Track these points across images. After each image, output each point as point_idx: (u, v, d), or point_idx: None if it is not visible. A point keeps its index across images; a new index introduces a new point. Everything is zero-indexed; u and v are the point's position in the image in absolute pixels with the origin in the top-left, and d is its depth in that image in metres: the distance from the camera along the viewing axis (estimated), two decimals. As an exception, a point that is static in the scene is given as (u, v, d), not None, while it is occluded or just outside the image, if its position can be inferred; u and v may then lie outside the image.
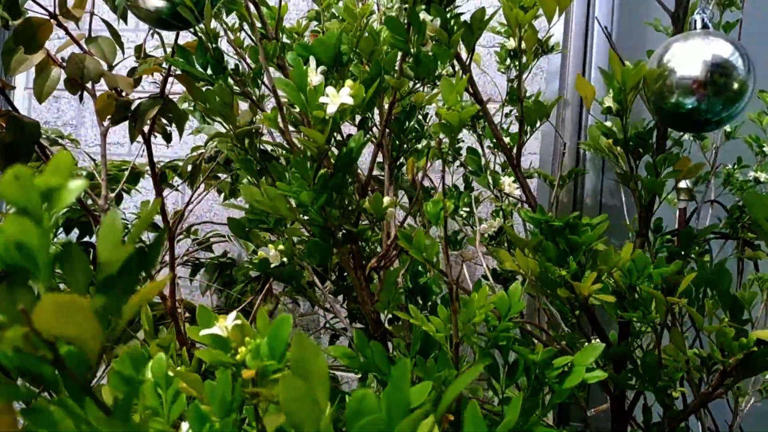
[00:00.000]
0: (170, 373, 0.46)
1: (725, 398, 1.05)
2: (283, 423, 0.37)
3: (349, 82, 0.60)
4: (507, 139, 1.33)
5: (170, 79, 1.16)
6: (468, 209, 1.34)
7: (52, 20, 0.92)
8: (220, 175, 1.80)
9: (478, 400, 0.89)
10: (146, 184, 2.04)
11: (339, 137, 0.73)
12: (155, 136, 1.22)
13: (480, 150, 1.45)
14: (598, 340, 0.86)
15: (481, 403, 0.90)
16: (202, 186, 1.72)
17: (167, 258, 1.11)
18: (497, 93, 1.69)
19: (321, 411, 0.34)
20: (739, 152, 1.50)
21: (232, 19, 0.78)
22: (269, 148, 1.00)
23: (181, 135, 1.20)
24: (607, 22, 1.82)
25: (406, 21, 0.68)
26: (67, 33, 0.95)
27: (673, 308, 0.77)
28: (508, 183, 1.03)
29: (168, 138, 1.37)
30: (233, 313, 0.48)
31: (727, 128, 1.53)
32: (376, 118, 0.93)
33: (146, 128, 1.02)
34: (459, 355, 0.64)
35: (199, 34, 0.67)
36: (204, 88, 0.90)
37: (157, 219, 1.77)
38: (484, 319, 0.65)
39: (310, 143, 0.60)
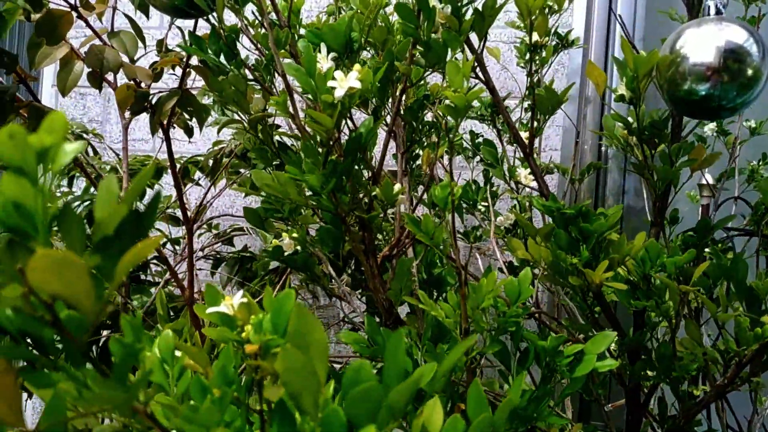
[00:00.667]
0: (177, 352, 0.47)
1: (749, 394, 1.04)
2: (282, 394, 0.38)
3: (357, 66, 0.60)
4: (525, 134, 1.32)
5: (194, 75, 1.18)
6: (486, 204, 1.34)
7: (72, 12, 0.93)
8: (241, 170, 1.82)
9: (492, 393, 0.89)
10: (170, 179, 2.07)
11: (351, 124, 0.74)
12: (174, 128, 1.23)
13: (501, 145, 1.45)
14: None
15: (495, 395, 0.90)
16: (224, 181, 1.73)
17: (186, 251, 1.12)
18: (517, 89, 1.69)
19: (319, 382, 0.35)
20: (764, 148, 1.48)
21: (252, 14, 0.79)
22: (289, 142, 1.01)
23: (201, 128, 1.21)
24: (629, 17, 1.80)
25: (416, 7, 0.68)
26: (88, 25, 0.96)
27: (689, 300, 0.76)
28: (524, 175, 1.02)
29: (189, 132, 1.38)
30: (240, 292, 0.49)
31: (753, 124, 1.51)
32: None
33: (165, 121, 1.04)
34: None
35: (212, 22, 0.67)
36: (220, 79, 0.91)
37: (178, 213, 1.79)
38: (494, 305, 0.65)
39: (319, 128, 0.60)
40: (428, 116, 0.90)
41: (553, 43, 1.39)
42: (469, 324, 0.64)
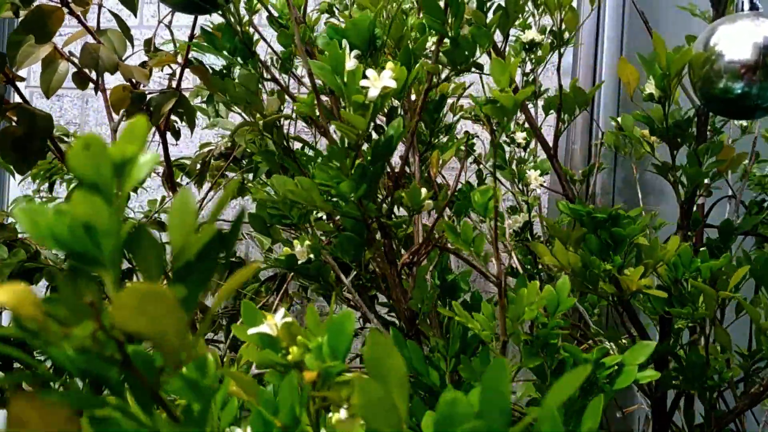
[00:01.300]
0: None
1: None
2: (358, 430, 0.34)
3: (390, 64, 0.57)
4: (523, 134, 1.29)
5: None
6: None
7: (63, 8, 0.88)
8: (228, 173, 1.76)
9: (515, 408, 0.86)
10: (151, 183, 2.01)
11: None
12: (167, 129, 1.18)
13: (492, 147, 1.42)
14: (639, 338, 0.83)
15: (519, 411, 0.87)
16: (209, 185, 1.68)
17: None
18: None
19: (400, 418, 0.31)
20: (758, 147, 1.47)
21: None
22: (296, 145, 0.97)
23: (192, 131, 1.16)
24: (617, 18, 1.79)
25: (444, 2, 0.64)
26: (80, 21, 0.91)
27: (724, 304, 0.74)
28: (534, 177, 0.99)
29: (177, 135, 1.33)
30: (282, 310, 0.45)
31: (744, 122, 1.50)
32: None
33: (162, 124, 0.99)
34: (506, 355, 0.61)
35: (228, 17, 0.63)
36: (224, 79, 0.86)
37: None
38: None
39: (350, 130, 0.56)
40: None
41: (549, 41, 1.36)
42: (508, 337, 0.60)
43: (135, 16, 1.18)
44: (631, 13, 1.78)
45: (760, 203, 1.21)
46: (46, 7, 0.88)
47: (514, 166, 1.06)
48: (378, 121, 0.76)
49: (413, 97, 0.82)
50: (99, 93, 1.25)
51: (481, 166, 1.54)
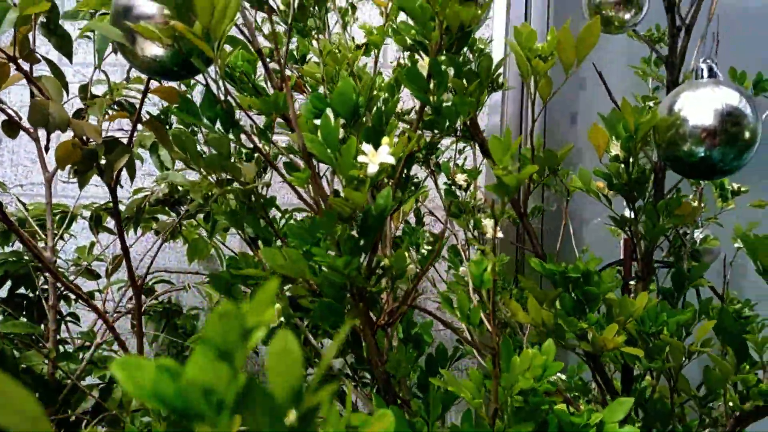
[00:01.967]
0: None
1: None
2: None
3: (386, 139, 0.57)
4: (464, 176, 1.32)
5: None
6: (429, 247, 1.32)
7: (10, 63, 0.84)
8: (159, 216, 1.71)
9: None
10: (77, 227, 1.92)
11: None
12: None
13: (435, 186, 1.44)
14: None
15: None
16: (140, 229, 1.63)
17: (135, 314, 1.03)
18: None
19: None
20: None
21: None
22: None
23: (132, 181, 1.12)
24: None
25: (426, 71, 0.65)
26: (28, 78, 0.87)
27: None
28: (490, 226, 1.01)
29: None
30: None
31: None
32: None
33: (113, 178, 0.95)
34: (495, 422, 0.61)
35: (209, 84, 0.61)
36: (184, 136, 0.84)
37: (97, 265, 1.67)
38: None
39: (346, 204, 0.56)
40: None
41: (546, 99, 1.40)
42: (500, 405, 0.61)
43: (71, 62, 1.14)
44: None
45: (683, 236, 1.27)
46: (-9, 63, 0.83)
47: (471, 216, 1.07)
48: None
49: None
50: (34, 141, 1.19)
51: (420, 205, 1.56)
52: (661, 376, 0.88)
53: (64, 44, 1.12)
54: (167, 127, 1.38)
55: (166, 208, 1.61)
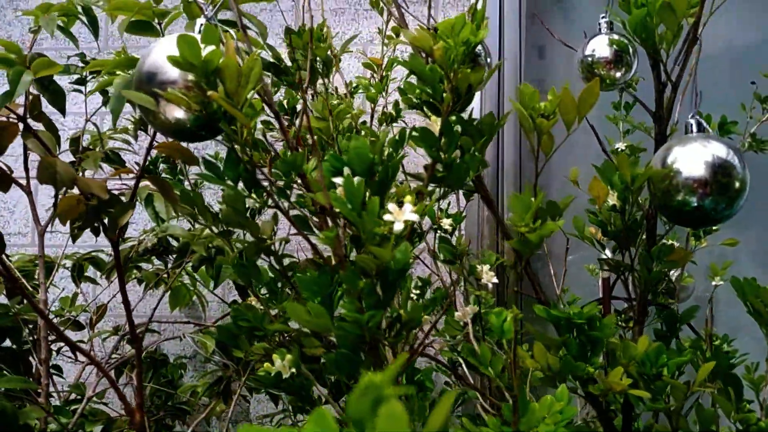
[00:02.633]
0: None
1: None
2: None
3: (408, 197, 0.60)
4: (449, 220, 1.35)
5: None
6: (418, 291, 1.35)
7: (20, 123, 0.85)
8: (141, 265, 1.71)
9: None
10: (57, 278, 1.90)
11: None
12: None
13: (420, 231, 1.47)
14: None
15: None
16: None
17: (136, 369, 1.03)
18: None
19: None
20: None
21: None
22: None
23: (124, 233, 1.13)
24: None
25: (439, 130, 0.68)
26: (36, 137, 0.88)
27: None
28: (485, 271, 1.04)
29: (96, 231, 1.29)
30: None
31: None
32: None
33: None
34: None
35: (235, 146, 0.64)
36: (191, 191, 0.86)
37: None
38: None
39: (371, 261, 0.58)
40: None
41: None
42: (520, 450, 0.63)
43: (63, 116, 1.16)
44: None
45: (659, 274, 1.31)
46: (0, 123, 0.84)
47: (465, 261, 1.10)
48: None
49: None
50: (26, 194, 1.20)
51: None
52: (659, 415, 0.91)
53: (58, 100, 1.13)
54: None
55: (153, 258, 1.62)
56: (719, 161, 0.74)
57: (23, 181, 1.13)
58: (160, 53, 0.65)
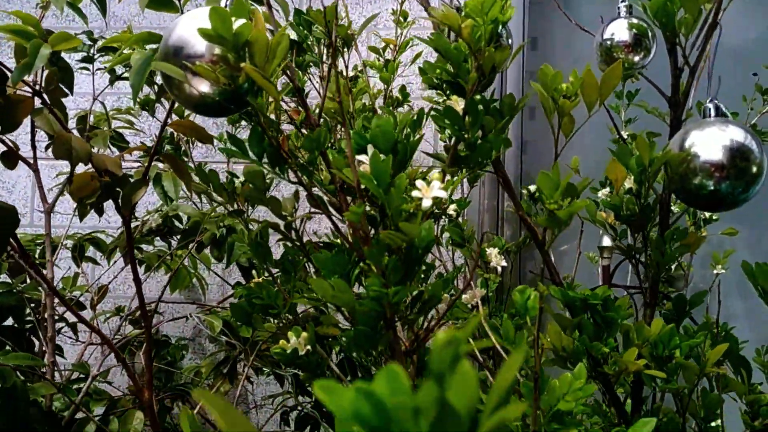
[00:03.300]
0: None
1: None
2: None
3: (436, 175, 0.60)
4: (454, 206, 1.35)
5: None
6: (423, 276, 1.35)
7: (35, 98, 0.85)
8: (142, 246, 1.71)
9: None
10: (59, 259, 1.89)
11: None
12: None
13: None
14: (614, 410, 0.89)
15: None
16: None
17: (144, 348, 1.03)
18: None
19: None
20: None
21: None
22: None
23: (132, 213, 1.13)
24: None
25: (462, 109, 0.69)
26: (51, 110, 0.88)
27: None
28: (494, 254, 1.04)
29: (100, 211, 1.28)
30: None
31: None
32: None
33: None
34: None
35: (262, 121, 0.64)
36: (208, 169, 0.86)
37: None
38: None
39: (398, 237, 0.59)
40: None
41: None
42: (539, 428, 0.64)
43: (71, 93, 1.15)
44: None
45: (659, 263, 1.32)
46: (14, 97, 0.84)
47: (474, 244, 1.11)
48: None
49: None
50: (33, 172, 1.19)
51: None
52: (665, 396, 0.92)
53: (66, 76, 1.12)
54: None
55: (156, 238, 1.61)
56: (737, 145, 0.75)
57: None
58: (186, 27, 0.65)
